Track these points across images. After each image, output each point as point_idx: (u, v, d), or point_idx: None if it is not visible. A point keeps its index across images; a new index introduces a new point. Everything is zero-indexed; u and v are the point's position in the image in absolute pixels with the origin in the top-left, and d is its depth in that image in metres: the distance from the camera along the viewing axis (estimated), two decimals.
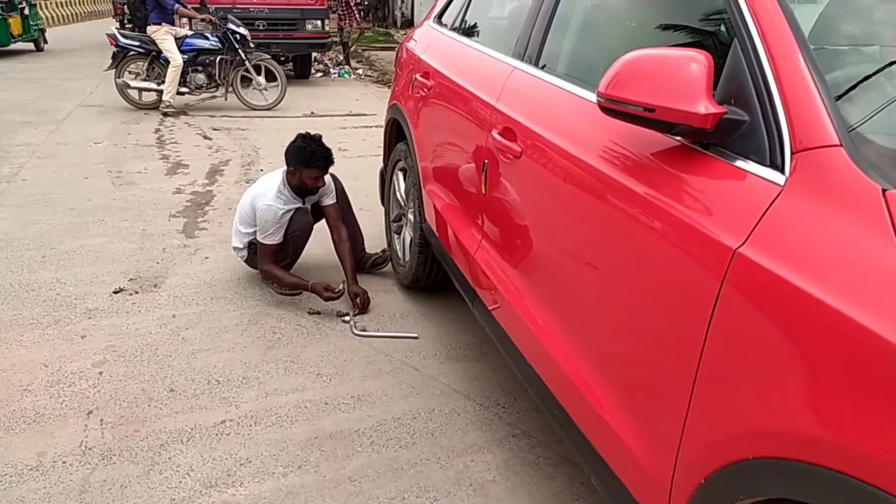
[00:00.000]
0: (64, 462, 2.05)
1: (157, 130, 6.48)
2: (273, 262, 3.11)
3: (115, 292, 3.15)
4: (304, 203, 3.18)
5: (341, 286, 3.04)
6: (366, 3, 18.27)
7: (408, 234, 3.21)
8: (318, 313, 3.01)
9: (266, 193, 3.05)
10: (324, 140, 3.13)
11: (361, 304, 3.05)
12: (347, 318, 2.98)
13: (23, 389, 2.40)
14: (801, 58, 1.13)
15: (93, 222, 4.01)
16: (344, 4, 11.04)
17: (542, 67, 1.97)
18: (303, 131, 3.16)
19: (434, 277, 3.08)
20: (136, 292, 3.16)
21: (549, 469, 2.12)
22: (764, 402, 1.00)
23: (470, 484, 2.04)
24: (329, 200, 3.25)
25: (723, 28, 1.40)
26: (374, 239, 3.59)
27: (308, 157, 3.02)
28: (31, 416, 2.26)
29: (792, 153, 1.08)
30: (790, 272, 0.98)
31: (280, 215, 3.05)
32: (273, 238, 3.07)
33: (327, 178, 3.17)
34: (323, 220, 3.30)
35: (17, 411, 2.28)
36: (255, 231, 3.13)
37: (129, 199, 4.45)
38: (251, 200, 3.12)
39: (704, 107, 1.13)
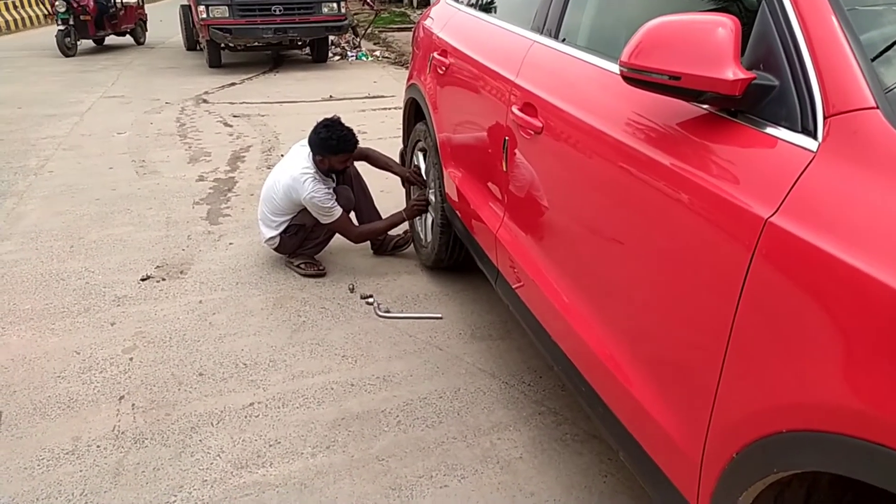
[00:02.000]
0: (98, 446, 2.10)
1: (178, 119, 6.53)
2: (352, 225, 3.23)
3: (143, 280, 3.19)
4: (334, 179, 3.23)
5: (422, 197, 3.21)
6: None
7: (429, 214, 3.19)
8: (353, 290, 3.06)
9: (301, 184, 3.03)
10: (342, 122, 3.13)
11: (415, 174, 3.29)
12: (371, 300, 2.98)
13: (56, 376, 2.45)
14: (834, 18, 1.08)
15: (118, 211, 4.07)
16: None
17: (562, 40, 1.93)
18: (320, 118, 3.15)
19: (456, 257, 3.07)
20: (163, 279, 3.20)
21: (576, 446, 2.11)
22: (799, 375, 0.97)
23: (497, 462, 2.04)
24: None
25: None
26: None
27: (336, 145, 3.05)
28: (65, 401, 2.31)
29: (825, 117, 1.04)
30: (824, 240, 0.95)
31: (329, 195, 3.10)
32: (335, 213, 3.13)
33: None
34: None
35: (52, 397, 2.33)
36: (288, 219, 3.14)
37: (154, 188, 4.50)
38: (284, 191, 3.09)
39: (732, 72, 1.09)
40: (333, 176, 3.24)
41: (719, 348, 1.12)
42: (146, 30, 12.56)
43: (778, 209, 1.03)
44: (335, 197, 3.14)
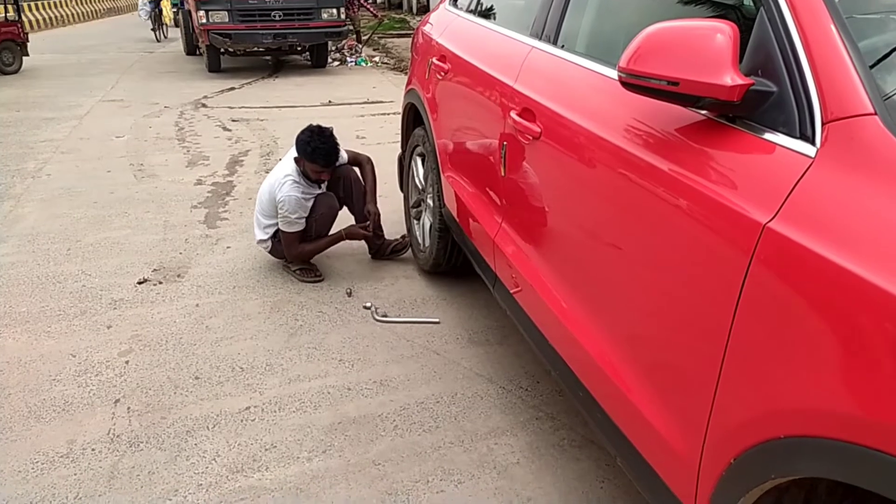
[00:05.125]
0: (93, 449, 2.09)
1: (177, 123, 6.53)
2: (298, 245, 3.16)
3: (140, 283, 3.18)
4: (320, 187, 3.19)
5: (367, 225, 3.23)
6: None
7: (427, 219, 3.19)
8: (350, 294, 3.04)
9: (282, 184, 3.06)
10: (333, 132, 3.10)
11: (375, 221, 3.22)
12: (369, 304, 2.98)
13: (52, 379, 2.44)
14: (833, 26, 1.09)
15: (116, 215, 4.06)
16: None
17: (561, 46, 1.94)
18: (314, 123, 3.13)
19: (454, 262, 3.07)
20: (160, 282, 3.20)
21: (573, 451, 2.11)
22: (797, 380, 0.97)
23: (494, 467, 2.03)
24: (343, 158, 3.27)
25: None
26: (393, 225, 3.58)
27: (311, 153, 3.03)
28: (60, 404, 2.30)
29: (823, 123, 1.04)
30: (823, 246, 0.95)
31: (301, 203, 3.06)
32: (295, 226, 3.09)
33: (342, 153, 3.19)
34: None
35: (47, 400, 2.32)
36: (276, 222, 3.14)
37: (152, 192, 4.49)
38: (269, 191, 3.12)
39: (731, 78, 1.10)
40: (319, 185, 3.18)
41: (717, 353, 1.12)
42: (25, 53, 9.85)
43: (776, 215, 1.03)
44: (312, 204, 3.11)
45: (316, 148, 3.02)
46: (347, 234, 3.23)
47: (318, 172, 3.09)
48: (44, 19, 17.35)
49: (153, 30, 13.94)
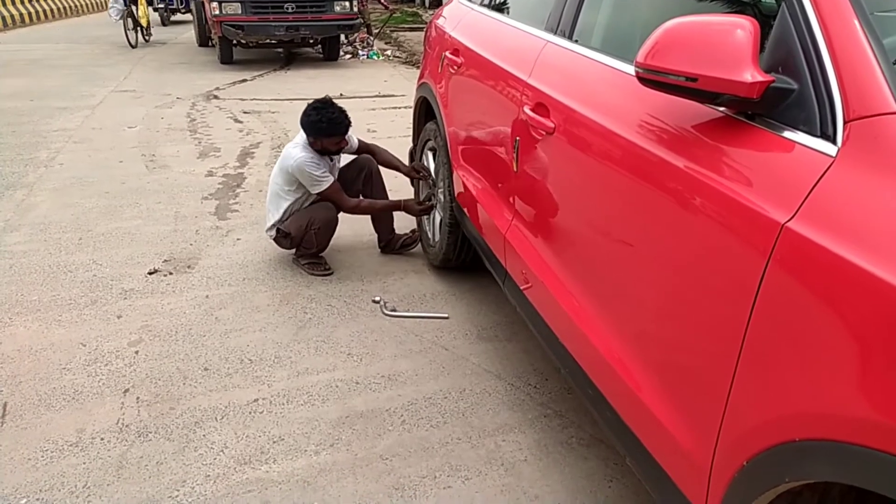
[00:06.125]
0: (102, 439, 2.09)
1: (188, 115, 6.54)
2: (347, 197, 3.17)
3: (150, 273, 3.19)
4: (331, 160, 3.18)
5: (432, 200, 3.20)
6: None
7: (437, 213, 3.18)
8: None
9: (291, 155, 3.06)
10: (335, 102, 3.11)
11: (427, 171, 3.23)
12: (378, 298, 2.97)
13: (62, 368, 2.45)
14: (857, 22, 1.06)
15: (127, 205, 4.07)
16: None
17: (576, 41, 1.92)
18: (312, 101, 3.12)
19: (464, 257, 3.06)
20: (171, 273, 3.20)
21: (581, 450, 2.09)
22: (813, 383, 0.96)
23: (501, 464, 2.03)
24: (353, 143, 3.27)
25: None
26: (403, 220, 3.57)
27: (326, 128, 3.02)
28: (70, 393, 2.31)
29: (845, 122, 1.02)
30: (843, 247, 0.93)
31: (316, 161, 3.06)
32: (325, 181, 3.08)
33: (350, 134, 3.18)
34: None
35: (57, 389, 2.33)
36: (290, 204, 3.13)
37: (163, 182, 4.50)
38: (279, 168, 3.14)
39: (751, 75, 1.08)
40: (330, 158, 3.18)
41: (732, 354, 1.11)
42: None
43: (795, 214, 1.01)
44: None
45: (330, 119, 3.01)
46: (405, 206, 3.23)
47: (338, 142, 3.10)
48: (58, 8, 17.45)
49: (126, 34, 10.96)
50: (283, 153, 3.18)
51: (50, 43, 8.45)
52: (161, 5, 14.75)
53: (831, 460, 0.93)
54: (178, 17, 15.48)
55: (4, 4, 15.35)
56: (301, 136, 3.11)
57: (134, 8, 11.08)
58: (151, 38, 11.89)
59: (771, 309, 1.04)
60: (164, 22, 15.03)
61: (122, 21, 10.86)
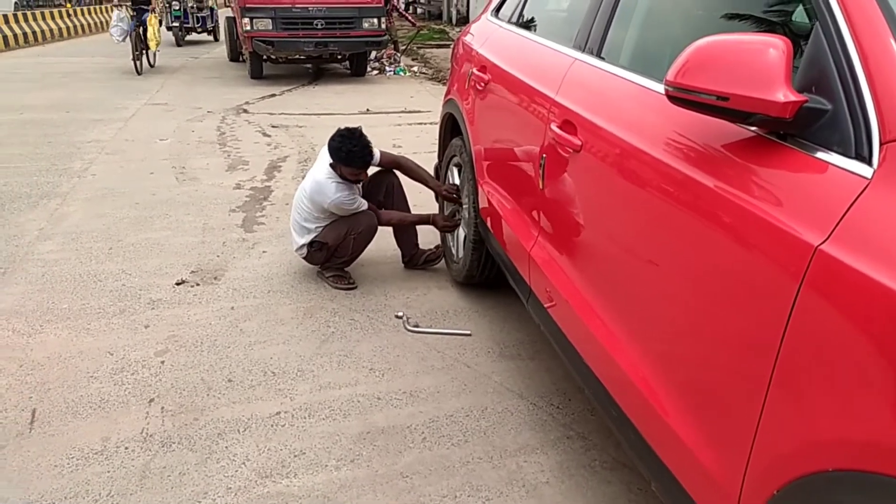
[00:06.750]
0: (126, 448, 2.11)
1: (218, 128, 6.66)
2: (378, 213, 3.22)
3: (178, 284, 3.23)
4: (359, 185, 3.20)
5: (457, 216, 3.24)
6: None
7: (462, 229, 3.18)
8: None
9: (324, 190, 3.05)
10: (362, 130, 3.09)
11: (457, 192, 3.22)
12: (401, 314, 2.97)
13: (89, 376, 2.48)
14: (893, 41, 1.04)
15: (157, 216, 4.14)
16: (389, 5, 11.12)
17: (604, 58, 1.91)
18: (343, 127, 3.12)
19: (488, 274, 3.04)
20: (197, 284, 3.24)
21: (604, 473, 2.06)
22: (848, 411, 0.93)
23: (523, 485, 2.00)
24: (376, 157, 3.23)
25: (799, 12, 1.31)
26: (427, 235, 3.58)
27: (345, 157, 3.03)
28: (96, 402, 2.34)
29: (881, 143, 1.00)
30: (879, 271, 0.90)
31: (349, 195, 3.09)
32: (361, 208, 3.14)
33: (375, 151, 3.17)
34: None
35: (84, 397, 2.36)
36: (319, 226, 3.15)
37: (192, 194, 4.58)
38: (310, 197, 3.12)
39: (783, 95, 1.06)
40: (359, 185, 3.20)
41: (763, 379, 1.08)
42: None
43: (829, 237, 0.99)
44: (356, 209, 3.15)
45: (350, 151, 3.02)
46: (433, 220, 3.28)
47: (356, 174, 3.10)
48: (95, 23, 17.96)
49: (134, 59, 9.79)
50: (313, 182, 3.10)
51: (86, 56, 8.68)
52: (175, 24, 13.86)
53: (865, 492, 0.90)
54: (194, 36, 14.71)
55: (45, 19, 15.86)
56: (326, 158, 3.11)
57: (142, 28, 9.82)
58: (154, 66, 10.49)
59: (804, 333, 1.02)
60: (179, 42, 14.14)
61: (123, 41, 9.71)
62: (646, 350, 1.51)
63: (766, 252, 1.11)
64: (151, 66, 10.40)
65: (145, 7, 9.95)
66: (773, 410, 1.07)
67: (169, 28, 13.63)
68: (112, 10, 9.75)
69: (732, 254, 1.19)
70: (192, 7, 14.13)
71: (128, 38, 9.64)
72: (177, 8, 13.78)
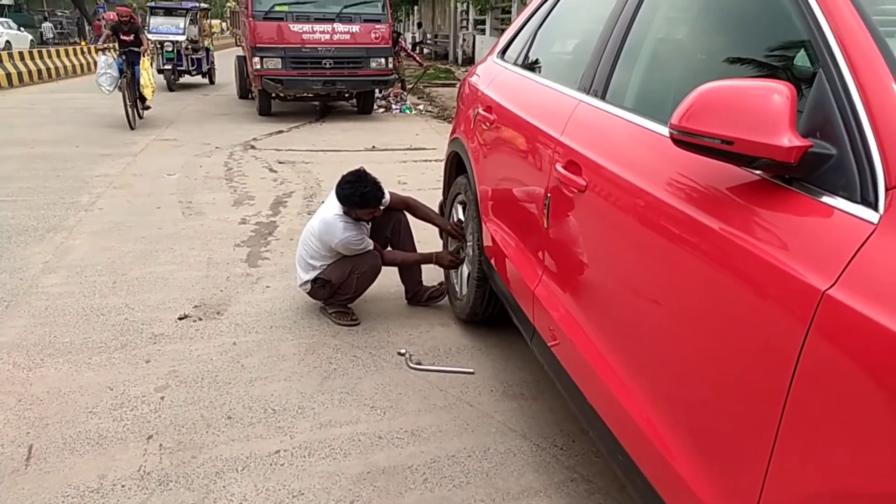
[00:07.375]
0: (123, 486, 2.08)
1: (226, 163, 6.73)
2: (382, 254, 3.25)
3: (180, 318, 3.22)
4: (368, 223, 3.23)
5: (461, 254, 3.25)
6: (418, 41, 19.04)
7: (465, 267, 3.18)
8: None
9: (333, 230, 3.05)
10: (367, 172, 3.11)
11: (462, 231, 3.22)
12: (403, 351, 2.95)
13: (88, 411, 2.46)
14: None
15: (162, 250, 4.16)
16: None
17: (609, 100, 1.93)
18: (347, 173, 3.12)
19: (491, 312, 3.03)
20: (200, 319, 3.23)
21: None
22: (860, 460, 0.91)
23: None
24: (386, 199, 3.24)
25: (802, 58, 1.33)
26: (431, 272, 3.57)
27: (359, 202, 3.05)
28: (94, 438, 2.31)
29: (887, 189, 1.00)
30: (887, 316, 0.90)
31: (357, 235, 3.10)
32: (367, 248, 3.16)
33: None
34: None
35: (82, 433, 2.33)
36: (324, 264, 3.15)
37: (198, 229, 4.60)
38: (319, 236, 3.11)
39: (788, 139, 1.07)
40: (367, 221, 3.23)
41: (771, 426, 1.06)
42: None
43: (836, 281, 0.98)
44: (362, 250, 3.16)
45: (363, 194, 3.04)
46: (437, 259, 3.29)
47: (370, 214, 3.15)
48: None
49: (126, 110, 8.37)
50: (322, 221, 3.10)
51: (97, 92, 8.82)
52: (168, 67, 12.67)
53: None
54: (187, 79, 13.76)
55: (59, 56, 16.21)
56: (337, 202, 3.12)
57: (132, 76, 8.40)
58: (143, 117, 9.07)
59: (812, 378, 1.00)
60: (171, 86, 12.88)
61: (114, 91, 8.27)
62: (652, 392, 1.49)
63: (772, 296, 1.10)
64: (141, 117, 8.89)
65: (136, 49, 8.39)
66: (781, 458, 1.05)
67: (160, 71, 12.41)
68: (98, 55, 8.40)
69: (738, 297, 1.18)
70: (186, 48, 13.14)
71: (117, 86, 8.26)
72: (170, 49, 12.67)
